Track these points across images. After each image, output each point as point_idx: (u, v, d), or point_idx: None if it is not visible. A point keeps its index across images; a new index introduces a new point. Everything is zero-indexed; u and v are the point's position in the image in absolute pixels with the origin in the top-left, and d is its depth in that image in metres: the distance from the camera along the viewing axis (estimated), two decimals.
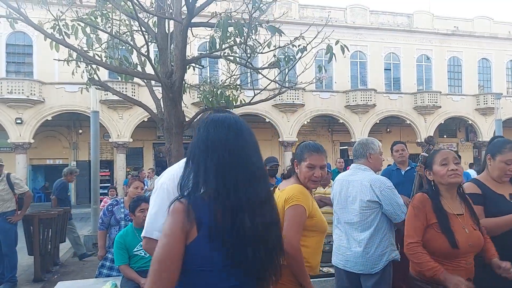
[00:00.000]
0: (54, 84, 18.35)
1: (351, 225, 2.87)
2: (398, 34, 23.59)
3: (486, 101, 23.96)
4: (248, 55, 5.17)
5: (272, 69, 5.63)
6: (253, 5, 4.68)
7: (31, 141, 18.38)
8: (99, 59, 5.66)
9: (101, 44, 6.01)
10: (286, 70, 5.59)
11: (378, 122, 23.05)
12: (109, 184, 16.58)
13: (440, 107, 23.34)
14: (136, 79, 9.18)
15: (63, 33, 5.17)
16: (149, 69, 5.48)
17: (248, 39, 4.90)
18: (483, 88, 25.28)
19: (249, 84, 6.69)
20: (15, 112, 17.97)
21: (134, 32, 6.07)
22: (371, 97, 22.18)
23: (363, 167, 3.00)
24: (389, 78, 23.77)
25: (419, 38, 23.90)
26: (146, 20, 5.74)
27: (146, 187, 9.32)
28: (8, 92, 17.44)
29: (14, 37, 18.38)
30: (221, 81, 7.42)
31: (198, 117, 5.52)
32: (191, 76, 10.40)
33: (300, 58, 5.03)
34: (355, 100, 22.07)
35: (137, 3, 4.53)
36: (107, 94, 16.98)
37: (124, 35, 6.01)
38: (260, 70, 5.63)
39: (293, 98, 21.03)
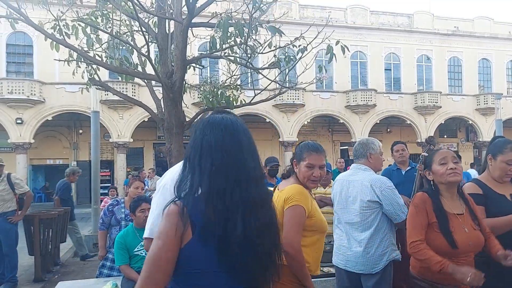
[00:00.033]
0: (55, 84, 18.36)
1: (352, 225, 2.88)
2: (399, 34, 23.60)
3: (487, 101, 23.96)
4: (249, 55, 5.17)
5: (273, 69, 5.63)
6: (254, 5, 4.68)
7: (31, 141, 18.39)
8: (100, 59, 5.66)
9: (102, 44, 6.01)
10: (287, 70, 5.58)
11: (378, 122, 23.05)
12: (109, 184, 16.52)
13: (441, 107, 23.35)
14: (136, 79, 9.16)
15: (64, 33, 5.18)
16: (149, 69, 5.48)
17: (249, 39, 4.90)
18: (483, 88, 25.28)
19: (249, 84, 6.68)
20: (16, 112, 17.98)
21: (135, 32, 6.07)
22: (371, 97, 22.18)
23: (363, 167, 3.00)
24: (390, 78, 23.77)
25: (419, 38, 23.90)
26: (146, 20, 5.75)
27: (146, 187, 9.33)
28: (8, 92, 17.46)
29: (14, 37, 18.38)
30: (222, 81, 7.41)
31: (198, 117, 5.53)
32: (192, 76, 10.39)
33: (300, 58, 5.04)
34: (356, 100, 22.07)
35: (138, 3, 4.53)
36: (107, 94, 16.97)
37: (125, 35, 6.01)
38: (260, 70, 5.63)
39: (293, 98, 21.03)
